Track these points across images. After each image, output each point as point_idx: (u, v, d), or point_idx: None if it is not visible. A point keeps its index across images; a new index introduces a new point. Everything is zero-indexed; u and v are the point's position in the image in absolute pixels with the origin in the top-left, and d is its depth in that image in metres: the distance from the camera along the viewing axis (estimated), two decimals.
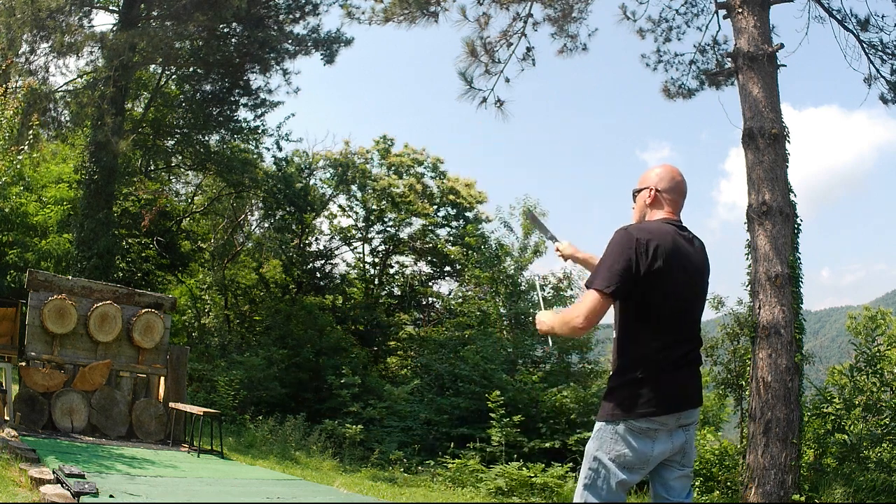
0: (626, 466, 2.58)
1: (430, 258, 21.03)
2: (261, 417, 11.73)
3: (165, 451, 7.74)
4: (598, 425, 2.67)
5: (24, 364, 8.07)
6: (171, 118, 16.99)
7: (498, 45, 10.80)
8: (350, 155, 19.98)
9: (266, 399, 13.33)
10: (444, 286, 22.89)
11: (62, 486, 4.69)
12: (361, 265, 21.14)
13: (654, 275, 2.57)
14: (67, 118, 14.20)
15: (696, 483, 8.33)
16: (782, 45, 8.31)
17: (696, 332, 2.74)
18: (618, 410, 2.59)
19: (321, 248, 20.42)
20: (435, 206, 20.58)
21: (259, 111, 17.03)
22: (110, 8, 15.02)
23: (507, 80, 10.93)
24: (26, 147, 10.04)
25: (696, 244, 2.81)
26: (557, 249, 3.40)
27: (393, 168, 20.54)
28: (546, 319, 2.77)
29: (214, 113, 16.50)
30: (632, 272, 2.56)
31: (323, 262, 20.20)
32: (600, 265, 2.65)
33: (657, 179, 2.85)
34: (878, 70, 9.91)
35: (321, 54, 15.62)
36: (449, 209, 20.86)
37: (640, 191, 2.90)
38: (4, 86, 9.72)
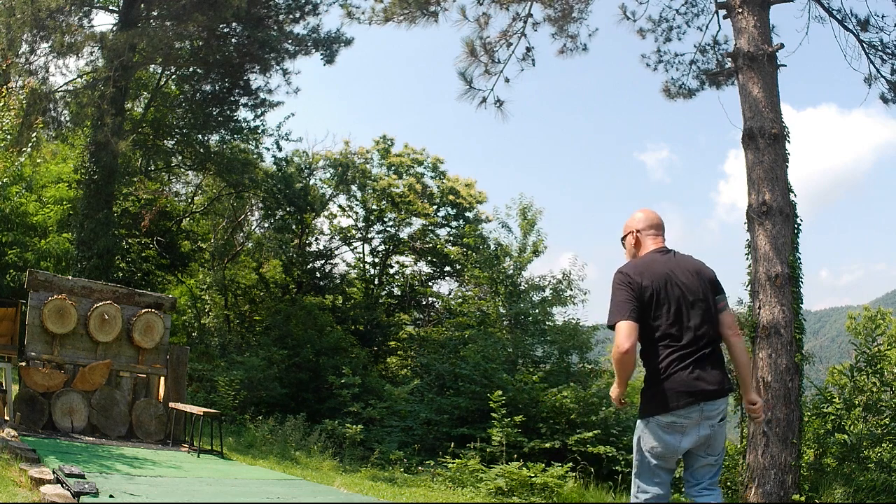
0: (657, 456, 3.10)
1: (429, 258, 21.03)
2: (261, 417, 11.73)
3: (165, 451, 7.74)
4: (637, 423, 3.22)
5: (24, 364, 8.07)
6: (171, 118, 16.99)
7: (498, 45, 10.80)
8: (350, 155, 19.98)
9: (266, 399, 13.33)
10: (444, 286, 22.91)
11: (62, 486, 4.69)
12: (361, 265, 21.15)
13: (650, 301, 3.12)
14: (67, 118, 14.19)
15: None
16: (782, 45, 8.30)
17: (704, 335, 3.14)
18: (647, 409, 3.13)
19: (321, 248, 20.44)
20: (435, 207, 20.58)
21: (259, 111, 17.05)
22: (110, 8, 15.02)
23: (507, 80, 10.94)
24: (28, 148, 10.04)
25: (681, 259, 3.30)
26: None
27: (393, 168, 20.54)
28: (614, 388, 3.31)
29: (214, 113, 16.49)
30: (636, 299, 3.11)
31: (323, 262, 20.20)
32: (612, 304, 3.17)
33: (635, 223, 3.44)
34: (878, 70, 9.92)
35: (321, 54, 15.62)
36: (449, 209, 20.86)
37: (624, 237, 3.49)
38: (5, 86, 9.71)
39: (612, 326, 3.14)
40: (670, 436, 3.05)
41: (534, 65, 11.05)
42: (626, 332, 3.05)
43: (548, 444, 10.32)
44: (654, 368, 3.11)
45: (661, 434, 3.06)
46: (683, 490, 3.30)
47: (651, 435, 3.09)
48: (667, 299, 3.12)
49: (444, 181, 20.82)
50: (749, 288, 8.12)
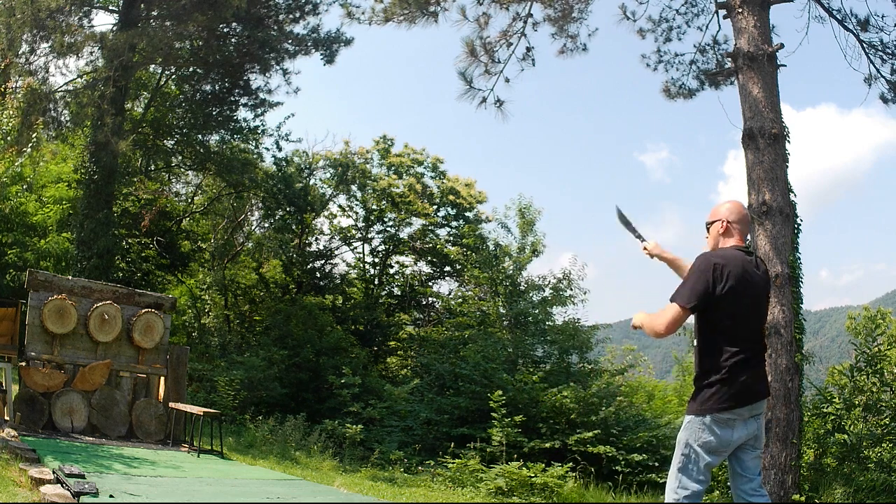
0: (711, 451, 3.19)
1: (429, 258, 21.02)
2: (261, 417, 11.73)
3: (165, 451, 7.74)
4: (687, 418, 3.27)
5: (24, 364, 8.07)
6: (171, 118, 16.98)
7: (498, 45, 10.81)
8: (350, 155, 19.96)
9: (266, 399, 13.32)
10: (444, 286, 22.89)
11: (62, 486, 4.70)
12: (361, 265, 21.14)
13: (726, 294, 3.17)
14: (67, 118, 14.18)
15: None
16: (782, 45, 8.30)
17: (759, 338, 3.33)
18: (704, 406, 3.20)
19: (321, 248, 20.42)
20: (435, 207, 20.56)
21: (259, 111, 17.04)
22: (110, 8, 15.01)
23: (507, 80, 10.94)
24: (28, 149, 10.04)
25: (760, 266, 3.39)
26: (645, 248, 3.86)
27: (393, 168, 20.53)
28: (639, 319, 3.35)
29: (214, 113, 16.48)
30: (709, 292, 3.16)
31: (323, 262, 20.19)
32: (685, 283, 3.25)
33: (727, 213, 3.47)
34: (878, 70, 9.91)
35: (321, 54, 15.61)
36: (449, 209, 20.84)
37: (712, 222, 3.50)
38: (4, 86, 9.70)
39: (672, 300, 3.20)
40: (724, 430, 3.17)
41: (534, 65, 11.07)
42: (675, 322, 3.14)
43: (548, 444, 10.32)
44: (716, 365, 3.18)
45: (716, 429, 3.16)
46: (731, 488, 3.36)
47: (706, 430, 3.17)
48: (742, 299, 3.20)
49: (444, 181, 20.81)
50: None
